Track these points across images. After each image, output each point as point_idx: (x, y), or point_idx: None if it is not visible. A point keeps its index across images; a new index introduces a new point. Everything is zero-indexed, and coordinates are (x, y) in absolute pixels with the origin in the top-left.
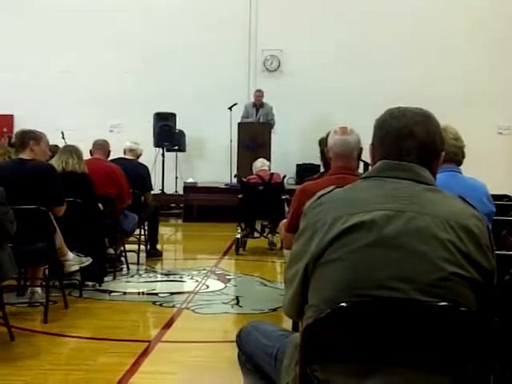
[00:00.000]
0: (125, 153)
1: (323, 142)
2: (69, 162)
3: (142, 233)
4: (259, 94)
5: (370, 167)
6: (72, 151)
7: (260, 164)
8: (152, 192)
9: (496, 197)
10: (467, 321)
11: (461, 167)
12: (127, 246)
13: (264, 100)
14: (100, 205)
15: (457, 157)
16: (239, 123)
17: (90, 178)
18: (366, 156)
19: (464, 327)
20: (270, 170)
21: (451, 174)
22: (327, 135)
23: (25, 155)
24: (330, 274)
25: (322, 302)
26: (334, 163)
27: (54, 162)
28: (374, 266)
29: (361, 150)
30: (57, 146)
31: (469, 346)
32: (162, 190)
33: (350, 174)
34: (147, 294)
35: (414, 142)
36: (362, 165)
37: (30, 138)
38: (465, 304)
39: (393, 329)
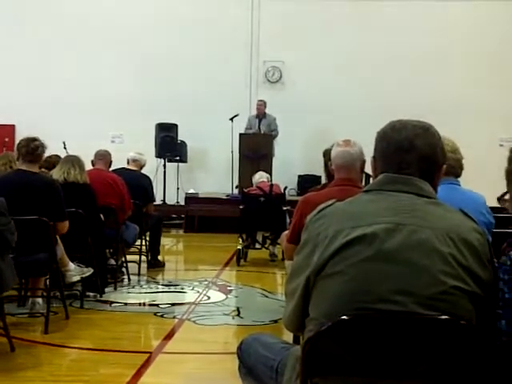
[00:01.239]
0: (128, 163)
1: (327, 154)
2: (70, 172)
3: (143, 243)
4: (261, 103)
5: (371, 179)
6: (74, 161)
7: (258, 176)
8: (154, 203)
9: (496, 209)
10: (467, 334)
11: (460, 179)
12: (128, 257)
13: (266, 111)
14: (101, 215)
15: (454, 169)
16: (241, 134)
17: (91, 189)
18: (369, 168)
19: (464, 341)
20: (269, 181)
21: (450, 187)
22: (332, 147)
23: (31, 168)
24: (330, 288)
25: (322, 315)
26: (336, 175)
27: (56, 172)
28: (375, 280)
29: (363, 162)
30: (58, 156)
31: (469, 360)
32: (164, 200)
33: (353, 185)
34: (148, 304)
35: (414, 155)
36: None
37: (42, 152)
38: (465, 317)
39: (393, 342)
